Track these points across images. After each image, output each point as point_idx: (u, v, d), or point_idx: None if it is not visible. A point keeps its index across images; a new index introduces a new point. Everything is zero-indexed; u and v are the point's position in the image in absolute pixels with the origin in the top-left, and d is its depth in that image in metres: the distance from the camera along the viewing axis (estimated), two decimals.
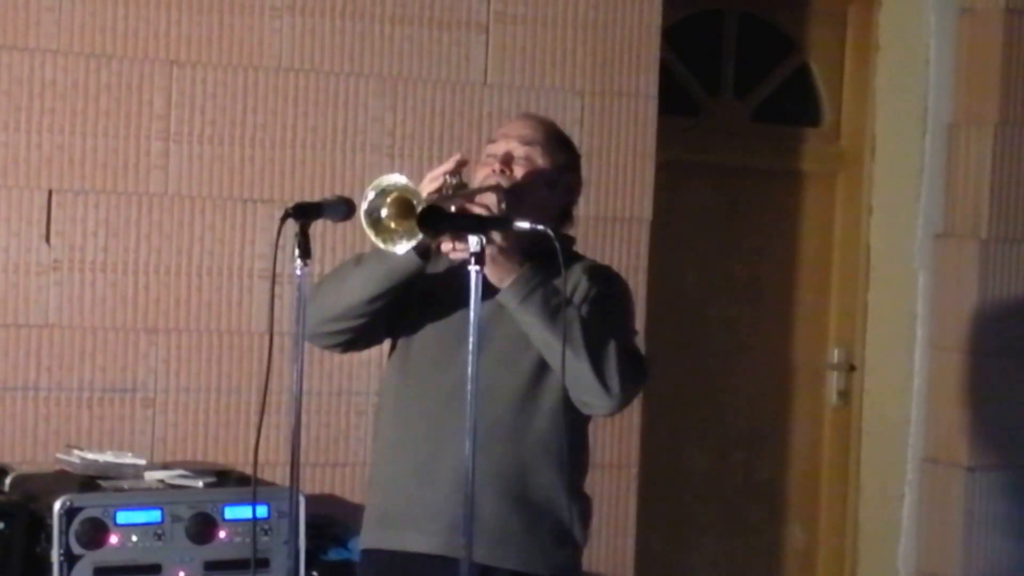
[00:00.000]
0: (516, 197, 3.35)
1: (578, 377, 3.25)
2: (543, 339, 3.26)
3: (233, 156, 4.53)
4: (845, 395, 5.80)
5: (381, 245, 3.11)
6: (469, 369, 2.97)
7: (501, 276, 3.25)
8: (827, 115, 5.82)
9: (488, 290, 3.19)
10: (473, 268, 2.97)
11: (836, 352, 5.81)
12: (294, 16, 4.58)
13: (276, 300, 3.42)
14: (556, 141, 3.53)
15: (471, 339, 2.98)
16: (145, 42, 4.44)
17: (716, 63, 5.66)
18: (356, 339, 3.42)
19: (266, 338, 4.08)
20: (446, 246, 3.24)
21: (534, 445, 3.34)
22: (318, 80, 4.62)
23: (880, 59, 5.76)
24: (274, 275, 3.31)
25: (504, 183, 3.36)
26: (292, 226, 3.10)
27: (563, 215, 3.55)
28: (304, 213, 3.14)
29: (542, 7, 4.85)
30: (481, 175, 3.42)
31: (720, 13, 5.64)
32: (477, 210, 3.24)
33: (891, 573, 5.71)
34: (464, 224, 3.10)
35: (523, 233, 3.14)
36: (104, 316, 4.41)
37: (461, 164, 3.31)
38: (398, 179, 3.11)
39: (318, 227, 3.24)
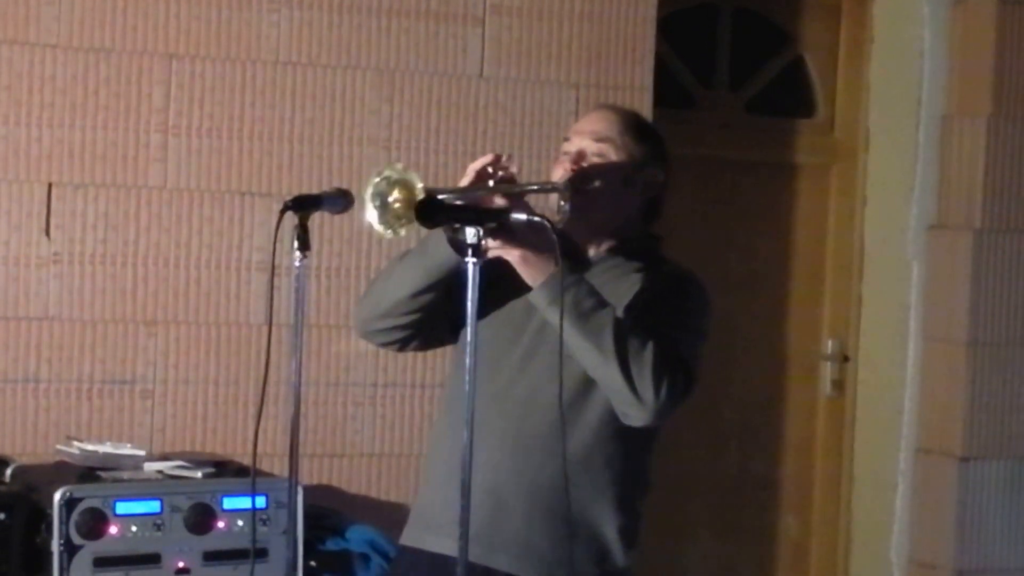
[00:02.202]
0: (584, 197, 3.23)
1: (609, 384, 3.11)
2: (574, 344, 3.08)
3: (231, 149, 4.55)
4: (839, 386, 5.81)
5: (380, 228, 3.02)
6: (468, 360, 2.92)
7: (535, 277, 3.11)
8: (821, 107, 5.83)
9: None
10: (470, 261, 2.91)
11: (830, 343, 5.81)
12: (291, 10, 4.60)
13: (275, 292, 3.42)
14: (634, 134, 3.35)
15: (469, 337, 2.90)
16: (144, 36, 4.45)
17: (710, 56, 5.67)
18: (411, 337, 3.31)
19: (264, 330, 4.11)
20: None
21: (573, 457, 3.16)
22: (315, 73, 4.63)
23: (874, 51, 5.77)
24: (273, 267, 3.30)
25: (569, 182, 3.24)
26: (291, 218, 3.11)
27: (648, 212, 3.41)
28: (303, 205, 3.13)
29: (537, 0, 4.87)
30: (555, 175, 3.31)
31: (714, 6, 5.65)
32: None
33: (884, 563, 5.73)
34: (459, 215, 3.02)
35: (535, 227, 3.02)
36: (103, 308, 4.43)
37: (497, 159, 3.17)
38: (400, 168, 3.07)
39: (316, 220, 3.25)
